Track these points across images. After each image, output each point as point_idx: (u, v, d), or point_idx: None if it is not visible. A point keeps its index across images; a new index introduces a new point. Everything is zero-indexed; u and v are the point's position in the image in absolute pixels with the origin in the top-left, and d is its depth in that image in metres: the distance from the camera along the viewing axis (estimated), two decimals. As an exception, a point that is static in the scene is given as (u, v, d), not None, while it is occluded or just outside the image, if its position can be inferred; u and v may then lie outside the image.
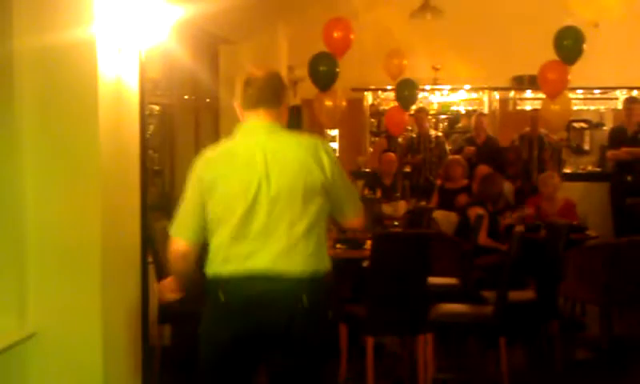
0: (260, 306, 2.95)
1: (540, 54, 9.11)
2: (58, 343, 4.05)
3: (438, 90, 11.73)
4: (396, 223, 6.92)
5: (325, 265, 3.09)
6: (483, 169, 7.98)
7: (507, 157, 9.64)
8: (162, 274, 5.18)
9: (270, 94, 3.11)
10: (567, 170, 10.51)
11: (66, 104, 4.01)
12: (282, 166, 2.98)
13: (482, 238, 6.54)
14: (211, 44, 7.50)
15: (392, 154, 9.38)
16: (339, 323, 5.18)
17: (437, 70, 11.43)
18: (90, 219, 4.02)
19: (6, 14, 3.89)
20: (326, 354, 3.14)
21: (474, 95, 11.90)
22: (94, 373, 4.07)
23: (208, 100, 7.70)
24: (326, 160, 3.02)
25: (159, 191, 6.77)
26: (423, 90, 11.11)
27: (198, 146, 7.42)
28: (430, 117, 11.32)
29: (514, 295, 5.43)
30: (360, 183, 9.63)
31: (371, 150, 11.70)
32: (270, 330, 2.97)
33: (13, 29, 3.90)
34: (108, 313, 4.11)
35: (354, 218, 3.30)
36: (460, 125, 11.99)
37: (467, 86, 11.72)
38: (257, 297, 2.94)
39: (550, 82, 8.94)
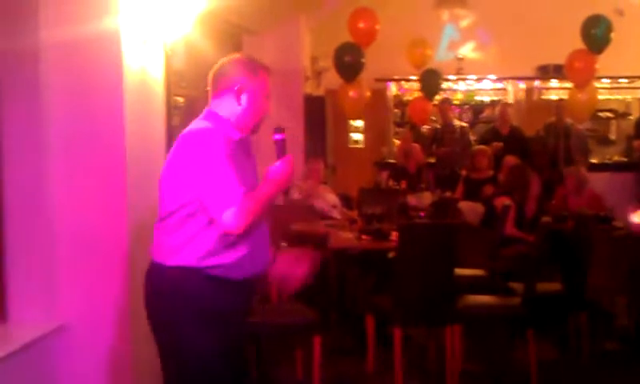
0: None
1: (566, 42, 9.04)
2: (86, 335, 4.07)
3: (462, 79, 11.64)
4: (421, 214, 6.87)
5: (182, 259, 2.97)
6: (511, 159, 7.92)
7: (532, 147, 9.57)
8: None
9: (214, 80, 3.16)
10: (593, 160, 10.40)
11: (92, 96, 4.01)
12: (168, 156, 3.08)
13: (509, 229, 6.49)
14: (235, 35, 7.49)
15: (415, 144, 9.32)
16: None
17: (461, 59, 11.35)
18: (117, 211, 4.02)
19: (32, 7, 3.90)
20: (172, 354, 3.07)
21: (499, 85, 11.79)
22: (123, 365, 4.08)
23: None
24: (185, 152, 2.95)
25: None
26: (447, 79, 11.03)
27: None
28: (454, 107, 11.23)
29: (542, 286, 5.38)
30: (384, 174, 9.60)
31: (396, 141, 11.64)
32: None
33: (39, 21, 3.91)
34: (135, 304, 4.11)
35: (217, 218, 2.89)
36: (484, 114, 11.89)
37: (492, 76, 11.61)
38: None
39: (577, 71, 8.89)
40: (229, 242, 2.95)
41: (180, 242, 2.96)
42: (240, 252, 3.00)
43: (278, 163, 3.01)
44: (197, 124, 3.06)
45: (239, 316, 3.16)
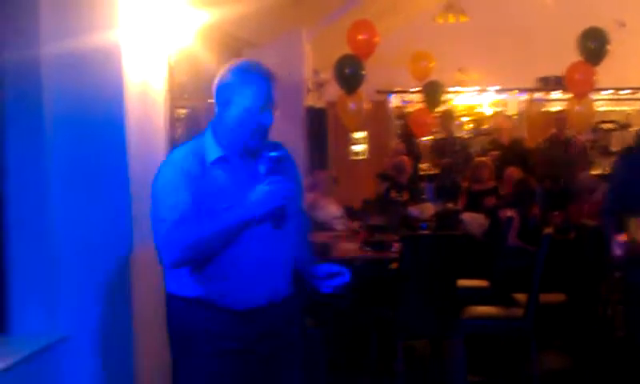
0: None
1: (566, 54, 9.05)
2: (89, 346, 4.04)
3: (464, 91, 11.66)
4: (424, 225, 6.87)
5: (174, 287, 2.88)
6: (514, 171, 7.92)
7: (534, 158, 9.57)
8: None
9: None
10: (595, 172, 10.39)
11: (94, 108, 4.00)
12: None
13: (512, 240, 6.48)
14: (236, 47, 7.50)
15: (404, 157, 9.25)
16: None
17: (462, 71, 11.37)
18: (119, 222, 4.01)
19: (34, 20, 3.90)
20: None
21: (500, 97, 11.81)
22: (126, 376, 4.06)
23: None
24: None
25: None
26: (449, 91, 11.05)
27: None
28: (455, 119, 11.24)
29: (545, 297, 5.37)
30: (383, 186, 9.58)
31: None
32: None
33: (40, 34, 3.91)
34: (139, 315, 4.11)
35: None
36: (486, 127, 11.91)
37: (493, 88, 11.63)
38: None
39: (576, 82, 8.90)
40: (224, 270, 2.75)
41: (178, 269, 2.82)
42: (220, 279, 2.78)
43: (270, 183, 2.72)
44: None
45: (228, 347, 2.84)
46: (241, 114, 2.79)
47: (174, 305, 2.87)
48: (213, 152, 2.81)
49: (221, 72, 2.90)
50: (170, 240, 2.67)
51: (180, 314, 2.85)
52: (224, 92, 2.84)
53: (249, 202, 2.69)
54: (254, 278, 2.80)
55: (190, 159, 2.77)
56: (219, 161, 2.80)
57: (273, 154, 2.77)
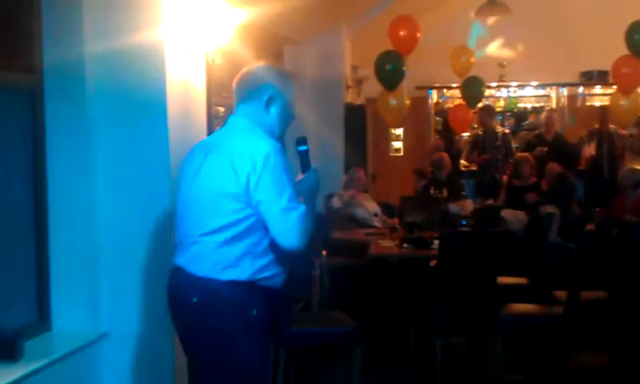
0: (170, 300, 3.15)
1: (609, 48, 8.94)
2: (130, 343, 4.10)
3: (505, 86, 11.55)
4: (463, 222, 6.83)
5: (237, 273, 2.97)
6: (555, 166, 7.85)
7: (576, 154, 9.47)
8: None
9: (241, 88, 3.16)
10: (637, 167, 10.24)
11: (136, 107, 4.05)
12: (207, 168, 3.02)
13: (553, 237, 6.42)
14: (275, 44, 7.53)
15: (443, 154, 9.20)
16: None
17: (503, 66, 11.27)
18: (159, 220, 4.06)
19: (78, 19, 3.96)
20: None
21: (542, 91, 11.68)
22: (166, 372, 4.11)
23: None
24: (241, 169, 2.90)
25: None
26: (489, 87, 10.96)
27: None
28: (496, 114, 11.15)
29: (586, 295, 5.31)
30: (421, 183, 9.55)
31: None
32: (176, 323, 3.17)
33: (84, 33, 3.97)
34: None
35: (276, 235, 2.92)
36: (527, 121, 11.79)
37: (534, 83, 11.51)
38: (170, 290, 3.14)
39: (624, 76, 8.78)
40: (279, 254, 2.99)
41: (235, 256, 2.95)
42: (280, 262, 3.04)
43: (305, 175, 3.06)
44: (246, 139, 3.01)
45: (275, 324, 3.19)
46: (285, 110, 3.12)
47: (232, 291, 2.98)
48: (277, 143, 3.02)
49: (252, 72, 3.17)
50: (302, 225, 2.90)
51: (242, 298, 2.98)
52: (266, 90, 3.10)
53: (308, 188, 3.05)
54: (287, 258, 3.07)
55: (279, 153, 2.96)
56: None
57: (302, 147, 3.13)
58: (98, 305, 4.08)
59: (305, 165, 3.09)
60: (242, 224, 2.93)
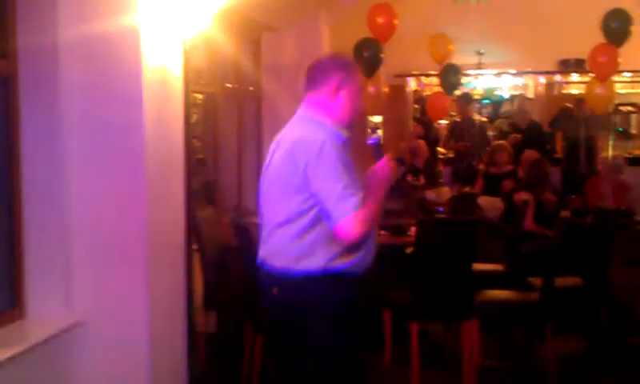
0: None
1: (586, 36, 8.98)
2: (104, 331, 4.10)
3: (482, 74, 11.60)
4: (440, 209, 6.87)
5: (312, 263, 3.01)
6: (531, 154, 7.89)
7: (551, 141, 9.55)
8: (206, 262, 5.24)
9: (308, 79, 3.18)
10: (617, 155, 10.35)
11: (111, 93, 4.04)
12: (275, 160, 3.10)
13: (528, 224, 6.47)
14: (254, 31, 7.50)
15: (420, 141, 9.23)
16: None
17: (481, 54, 11.31)
18: (134, 207, 4.05)
19: (52, 4, 3.93)
20: (319, 357, 3.08)
21: (519, 80, 11.74)
22: (140, 360, 4.11)
23: (251, 88, 7.72)
24: (301, 159, 2.96)
25: (203, 179, 6.81)
26: (467, 74, 11.00)
27: (240, 135, 7.44)
28: (474, 102, 11.20)
29: (561, 281, 5.36)
30: (400, 169, 9.57)
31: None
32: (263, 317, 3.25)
33: (59, 19, 3.94)
34: (153, 300, 4.15)
35: (333, 226, 2.95)
36: (504, 110, 11.86)
37: (512, 71, 11.56)
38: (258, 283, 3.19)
39: (600, 64, 8.84)
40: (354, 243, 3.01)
41: (308, 246, 3.00)
42: (361, 250, 3.07)
43: (380, 164, 3.07)
44: (307, 130, 3.07)
45: (360, 310, 3.20)
46: (351, 99, 3.15)
47: (308, 282, 3.02)
48: (338, 134, 3.10)
49: (319, 62, 3.21)
50: (360, 215, 2.90)
51: (318, 288, 3.03)
52: (333, 79, 3.12)
53: (382, 178, 3.05)
54: (373, 241, 3.15)
55: (336, 143, 3.01)
56: (345, 141, 3.11)
57: (372, 140, 3.22)
58: (73, 293, 4.06)
59: (377, 155, 3.11)
60: (309, 214, 2.98)
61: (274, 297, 3.08)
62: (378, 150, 3.12)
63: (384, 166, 3.06)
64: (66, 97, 3.98)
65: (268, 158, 3.17)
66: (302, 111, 3.18)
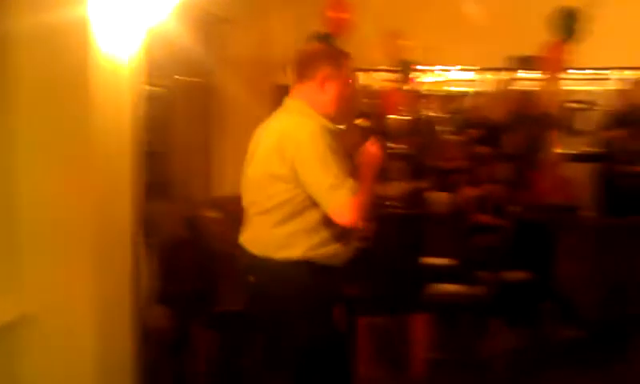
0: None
1: (535, 33, 9.09)
2: (51, 323, 4.03)
3: (431, 70, 11.67)
4: (390, 204, 6.92)
5: (291, 253, 3.06)
6: (480, 149, 7.99)
7: (501, 137, 9.64)
8: (157, 255, 5.20)
9: (297, 70, 3.22)
10: (558, 150, 10.48)
11: (60, 84, 3.97)
12: (260, 149, 3.14)
13: (477, 217, 6.55)
14: (210, 23, 7.46)
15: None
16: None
17: (430, 50, 11.36)
18: (82, 199, 4.00)
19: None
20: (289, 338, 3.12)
21: (468, 75, 11.85)
22: (87, 353, 4.07)
23: (207, 81, 7.67)
24: (289, 149, 3.00)
25: (155, 173, 6.74)
26: (416, 70, 11.06)
27: (194, 128, 7.40)
28: (422, 97, 11.27)
29: (509, 275, 5.46)
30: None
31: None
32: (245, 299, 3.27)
33: (10, 8, 3.88)
34: (100, 294, 4.11)
35: (329, 212, 3.01)
36: (453, 105, 11.95)
37: (463, 67, 11.66)
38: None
39: (549, 62, 8.97)
40: (337, 232, 3.04)
41: (288, 235, 3.04)
42: (340, 241, 3.10)
43: (368, 145, 3.17)
44: (294, 120, 3.09)
45: (335, 301, 3.23)
46: (340, 90, 3.20)
47: (287, 269, 3.06)
48: (327, 124, 3.13)
49: (307, 52, 3.30)
50: (356, 199, 2.95)
51: (297, 276, 3.07)
52: (321, 70, 3.16)
53: (372, 159, 3.14)
54: (346, 234, 3.15)
55: (324, 132, 3.04)
56: (333, 130, 3.14)
57: (359, 122, 3.43)
58: (19, 285, 4.00)
59: (364, 138, 3.21)
60: (293, 203, 3.02)
61: (251, 284, 3.11)
62: (363, 132, 3.26)
63: (372, 148, 3.14)
64: (15, 87, 3.92)
65: (253, 145, 3.20)
66: (290, 101, 3.19)
